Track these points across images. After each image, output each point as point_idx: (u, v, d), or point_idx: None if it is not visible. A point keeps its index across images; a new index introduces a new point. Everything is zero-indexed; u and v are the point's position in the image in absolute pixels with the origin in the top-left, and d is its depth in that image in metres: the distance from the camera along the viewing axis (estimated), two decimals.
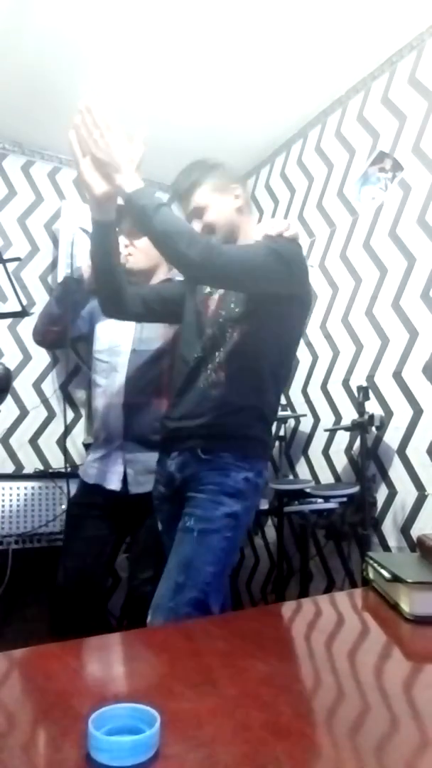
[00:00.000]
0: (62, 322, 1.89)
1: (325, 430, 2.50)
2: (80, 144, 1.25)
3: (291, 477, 2.66)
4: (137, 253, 1.88)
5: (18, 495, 2.34)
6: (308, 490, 2.25)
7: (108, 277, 1.45)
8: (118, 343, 1.91)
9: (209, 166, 1.45)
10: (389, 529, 2.13)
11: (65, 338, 1.96)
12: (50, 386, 2.82)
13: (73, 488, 1.99)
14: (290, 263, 1.32)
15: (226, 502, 1.29)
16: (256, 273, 1.29)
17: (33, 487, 2.37)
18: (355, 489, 2.08)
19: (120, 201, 1.30)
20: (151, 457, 1.59)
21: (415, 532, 2.01)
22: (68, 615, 1.80)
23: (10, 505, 2.31)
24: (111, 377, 1.91)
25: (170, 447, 1.44)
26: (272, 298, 1.36)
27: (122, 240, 1.79)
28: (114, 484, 1.83)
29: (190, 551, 1.27)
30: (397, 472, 2.13)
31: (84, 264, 1.90)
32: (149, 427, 1.76)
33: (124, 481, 1.82)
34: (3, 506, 2.29)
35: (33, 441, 2.75)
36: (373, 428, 2.17)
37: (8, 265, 1.62)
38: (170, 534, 1.37)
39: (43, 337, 2.03)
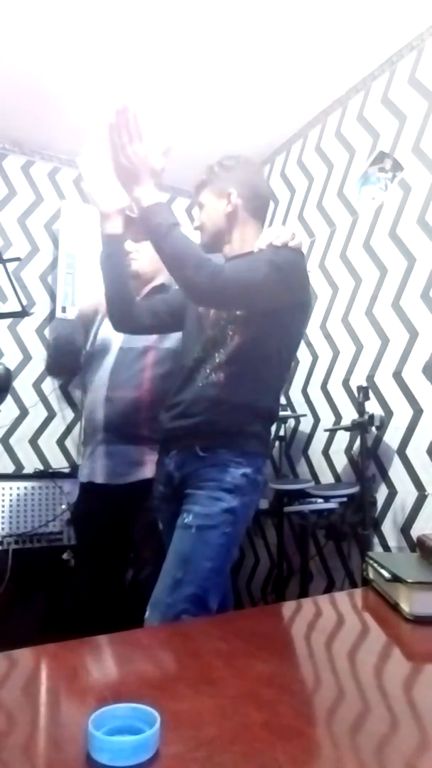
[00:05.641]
0: (71, 358, 2.00)
1: (325, 430, 2.50)
2: (109, 147, 1.21)
3: (291, 477, 2.66)
4: (141, 256, 1.87)
5: (18, 495, 2.34)
6: (308, 490, 2.25)
7: (120, 291, 1.47)
8: (109, 342, 1.92)
9: (221, 166, 1.45)
10: (389, 529, 2.13)
11: (78, 364, 2.13)
12: (50, 386, 2.82)
13: (71, 488, 2.00)
14: (290, 275, 1.32)
15: (225, 497, 1.29)
16: (256, 295, 1.30)
17: (33, 487, 2.37)
18: (355, 489, 2.08)
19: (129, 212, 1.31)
20: (130, 450, 1.58)
21: (415, 532, 2.01)
22: (90, 613, 1.80)
23: (10, 505, 2.31)
24: (98, 374, 1.92)
25: (168, 446, 1.45)
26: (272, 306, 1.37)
27: (127, 244, 1.80)
28: (100, 477, 1.82)
29: (189, 547, 1.27)
30: (397, 472, 2.13)
31: (77, 299, 2.03)
32: (128, 419, 1.77)
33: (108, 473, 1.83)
34: (3, 506, 2.29)
35: (33, 441, 2.75)
36: (373, 428, 2.16)
37: (8, 265, 1.62)
38: (171, 533, 1.37)
39: (59, 374, 2.20)
